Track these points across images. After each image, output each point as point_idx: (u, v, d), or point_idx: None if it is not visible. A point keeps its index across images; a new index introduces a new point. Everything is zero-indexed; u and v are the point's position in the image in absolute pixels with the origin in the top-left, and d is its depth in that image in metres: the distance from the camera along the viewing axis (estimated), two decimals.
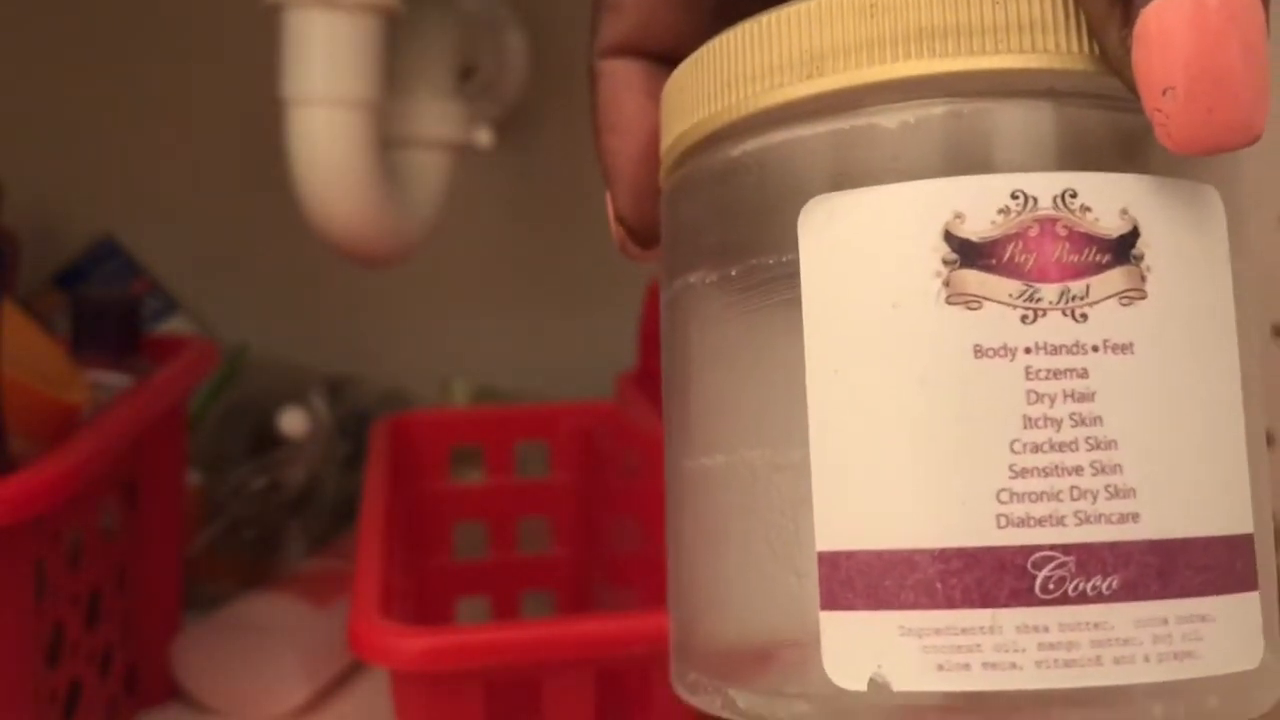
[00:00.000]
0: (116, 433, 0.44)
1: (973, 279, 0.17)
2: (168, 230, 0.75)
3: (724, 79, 0.19)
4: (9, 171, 0.46)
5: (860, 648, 0.17)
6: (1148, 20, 0.16)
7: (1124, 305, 0.17)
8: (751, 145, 0.19)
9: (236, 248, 0.75)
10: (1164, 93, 0.16)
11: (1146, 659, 0.16)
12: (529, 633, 0.35)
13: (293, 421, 0.63)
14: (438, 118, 0.62)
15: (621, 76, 0.24)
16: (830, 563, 0.17)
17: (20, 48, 0.73)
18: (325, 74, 0.53)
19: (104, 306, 0.55)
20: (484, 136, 0.65)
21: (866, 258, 0.17)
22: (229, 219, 0.75)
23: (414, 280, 0.73)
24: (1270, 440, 0.48)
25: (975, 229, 0.17)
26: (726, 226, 0.20)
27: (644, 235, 0.24)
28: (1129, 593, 0.16)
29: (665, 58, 0.23)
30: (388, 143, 0.58)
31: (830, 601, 0.17)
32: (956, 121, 0.17)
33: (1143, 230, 0.17)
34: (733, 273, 0.19)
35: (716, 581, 0.19)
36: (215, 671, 0.50)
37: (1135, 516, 0.17)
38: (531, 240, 0.79)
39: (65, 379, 0.46)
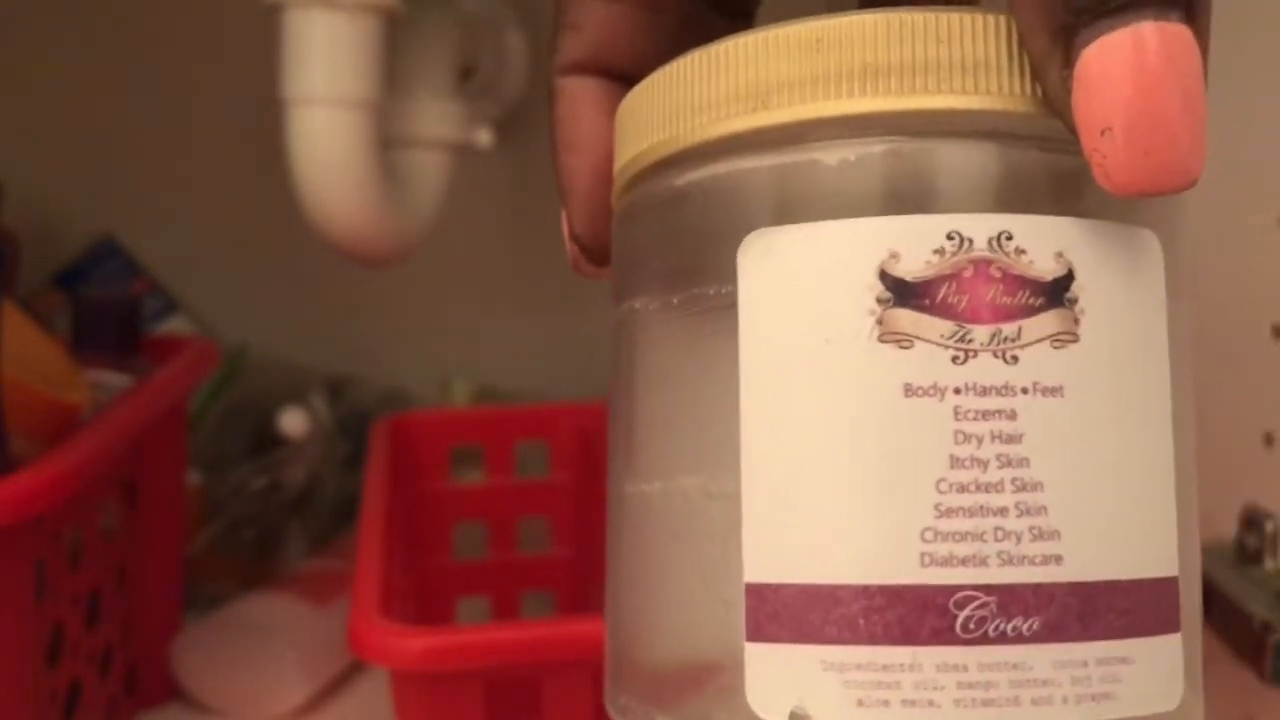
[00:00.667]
0: (116, 433, 0.44)
1: (905, 318, 0.17)
2: (168, 230, 0.75)
3: (673, 107, 0.19)
4: (9, 171, 0.46)
5: (783, 680, 0.17)
6: (1088, 61, 0.16)
7: (1056, 348, 0.17)
8: (696, 175, 0.19)
9: (236, 248, 0.75)
10: (1102, 133, 0.16)
11: (1065, 700, 0.17)
12: (529, 633, 0.35)
13: (293, 421, 0.63)
14: (438, 118, 0.62)
15: (580, 95, 0.24)
16: (757, 594, 0.17)
17: (20, 48, 0.73)
18: (325, 74, 0.53)
19: (104, 306, 0.55)
20: (484, 136, 0.65)
21: (803, 292, 0.18)
22: (229, 219, 0.75)
23: (414, 280, 0.73)
24: (1269, 440, 0.48)
25: (910, 269, 0.17)
26: (671, 254, 0.20)
27: (598, 254, 0.24)
28: (1049, 634, 0.17)
29: (625, 77, 0.23)
30: (388, 143, 0.58)
31: (755, 633, 0.17)
32: (896, 160, 0.18)
33: (1078, 273, 0.17)
34: (674, 300, 0.19)
35: (649, 607, 0.20)
36: (215, 671, 0.50)
37: (1059, 559, 0.17)
38: (531, 240, 0.79)
39: (65, 379, 0.46)
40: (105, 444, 0.42)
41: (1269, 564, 0.46)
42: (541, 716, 0.36)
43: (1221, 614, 0.46)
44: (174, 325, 0.74)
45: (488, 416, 0.60)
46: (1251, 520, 0.46)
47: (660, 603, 0.19)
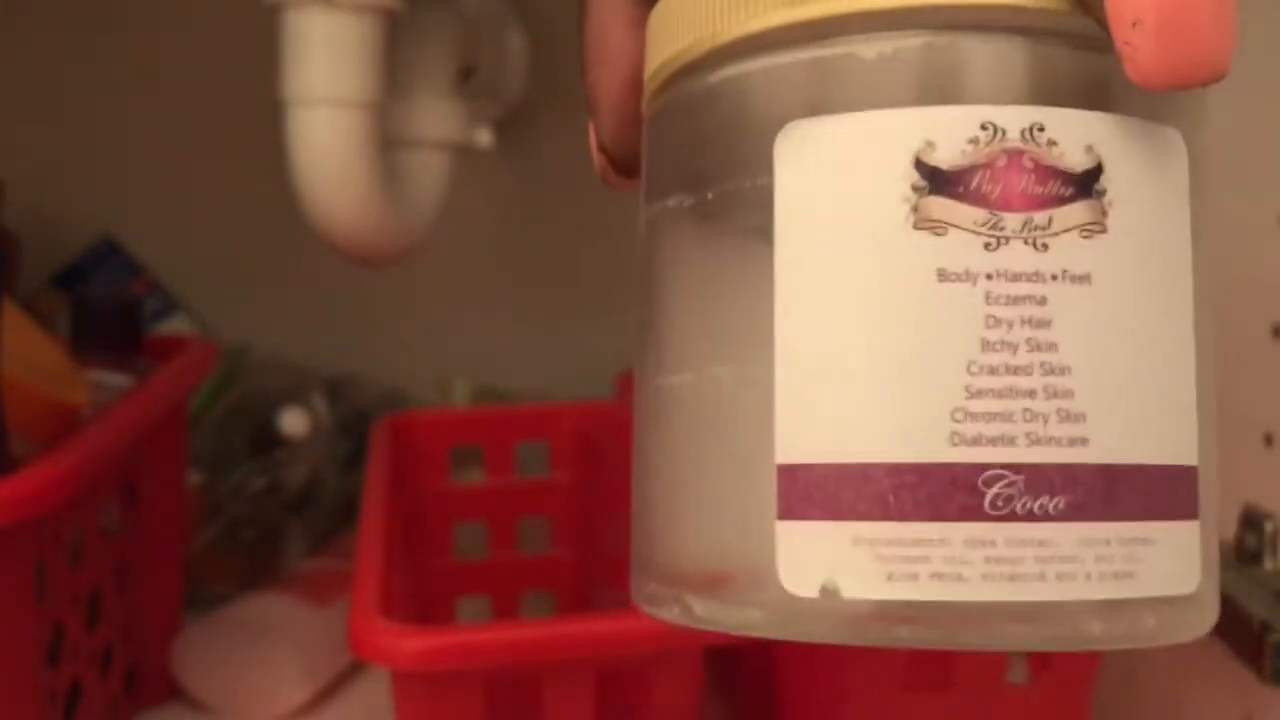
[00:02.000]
0: (116, 433, 0.44)
1: (939, 205, 0.17)
2: (168, 230, 0.75)
3: (706, 7, 0.20)
4: (9, 171, 0.46)
5: (814, 556, 0.17)
6: None
7: (1084, 238, 0.18)
8: (731, 72, 0.19)
9: (236, 248, 0.75)
10: (1133, 25, 0.16)
11: (1088, 577, 0.17)
12: (529, 633, 0.35)
13: (293, 421, 0.63)
14: (438, 118, 0.62)
15: (609, 9, 0.24)
16: (789, 474, 0.18)
17: (21, 48, 0.73)
18: (325, 74, 0.53)
19: (104, 306, 0.55)
20: (484, 136, 0.65)
21: (838, 181, 0.18)
22: (229, 219, 0.75)
23: (414, 280, 0.73)
24: (1269, 440, 0.48)
25: (945, 157, 0.17)
26: (704, 152, 0.20)
27: (625, 164, 0.24)
28: (1074, 513, 0.17)
29: None
30: (388, 143, 0.58)
31: (787, 511, 0.18)
32: (931, 53, 0.18)
33: (1106, 167, 0.18)
34: (709, 196, 0.20)
35: (679, 495, 0.20)
36: (215, 671, 0.50)
37: (1084, 441, 0.17)
38: (532, 240, 0.79)
39: (65, 379, 0.46)
40: (105, 444, 0.42)
41: (1269, 564, 0.46)
42: (541, 716, 0.36)
43: (1221, 614, 0.46)
44: (174, 325, 0.74)
45: (488, 416, 0.60)
46: (1251, 520, 0.46)
47: (691, 489, 0.20)
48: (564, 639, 0.35)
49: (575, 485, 0.57)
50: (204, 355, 0.56)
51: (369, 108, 0.54)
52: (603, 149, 0.25)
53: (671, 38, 0.21)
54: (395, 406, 0.66)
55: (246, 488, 0.62)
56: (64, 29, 0.73)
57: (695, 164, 0.20)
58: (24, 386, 0.41)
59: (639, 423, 0.22)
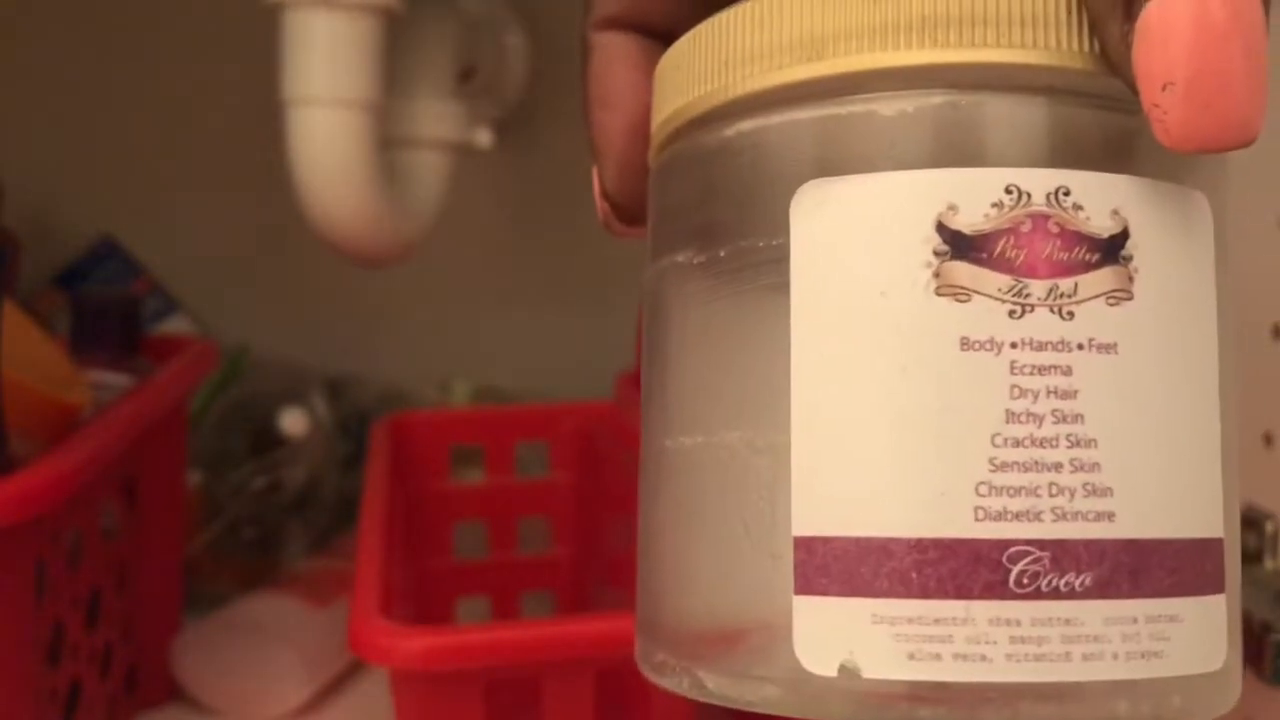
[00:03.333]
0: (116, 433, 0.44)
1: (963, 271, 0.17)
2: (168, 230, 0.75)
3: (722, 58, 0.19)
4: (9, 171, 0.46)
5: (832, 633, 0.17)
6: (1150, 15, 0.16)
7: (1110, 305, 0.17)
8: (746, 126, 0.19)
9: (236, 248, 0.75)
10: (1164, 88, 0.16)
11: (1115, 656, 0.17)
12: (529, 633, 0.35)
13: (293, 421, 0.63)
14: (438, 118, 0.62)
15: (615, 50, 0.23)
16: (806, 547, 0.17)
17: (20, 48, 0.73)
18: (325, 74, 0.53)
19: (104, 306, 0.55)
20: (484, 136, 0.65)
21: (857, 244, 0.17)
22: (229, 219, 0.75)
23: (414, 280, 0.73)
24: (1269, 440, 0.48)
25: (968, 221, 0.17)
26: (716, 207, 0.20)
27: (629, 212, 0.24)
28: (1101, 590, 0.17)
29: (659, 34, 0.23)
30: (388, 143, 0.58)
31: (804, 586, 0.17)
32: (953, 113, 0.17)
33: (1133, 232, 0.17)
34: (721, 253, 0.19)
35: (689, 562, 0.19)
36: (215, 671, 0.50)
37: (1111, 515, 0.17)
38: (531, 240, 0.79)
39: (65, 379, 0.46)
40: (105, 444, 0.42)
41: (1269, 564, 0.46)
42: (541, 716, 0.36)
43: None
44: (174, 325, 0.74)
45: (488, 416, 0.60)
46: (1251, 520, 0.46)
47: (701, 556, 0.19)
48: (564, 639, 0.35)
49: (575, 485, 0.57)
50: (204, 355, 0.56)
51: (369, 108, 0.54)
52: (606, 196, 0.24)
53: (683, 87, 0.20)
54: (395, 406, 0.66)
55: (246, 488, 0.62)
56: (64, 29, 0.73)
57: (706, 219, 0.20)
58: (24, 386, 0.41)
59: (645, 483, 0.21)
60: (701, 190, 0.20)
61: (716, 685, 0.18)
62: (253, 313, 0.75)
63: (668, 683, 0.19)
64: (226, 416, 0.66)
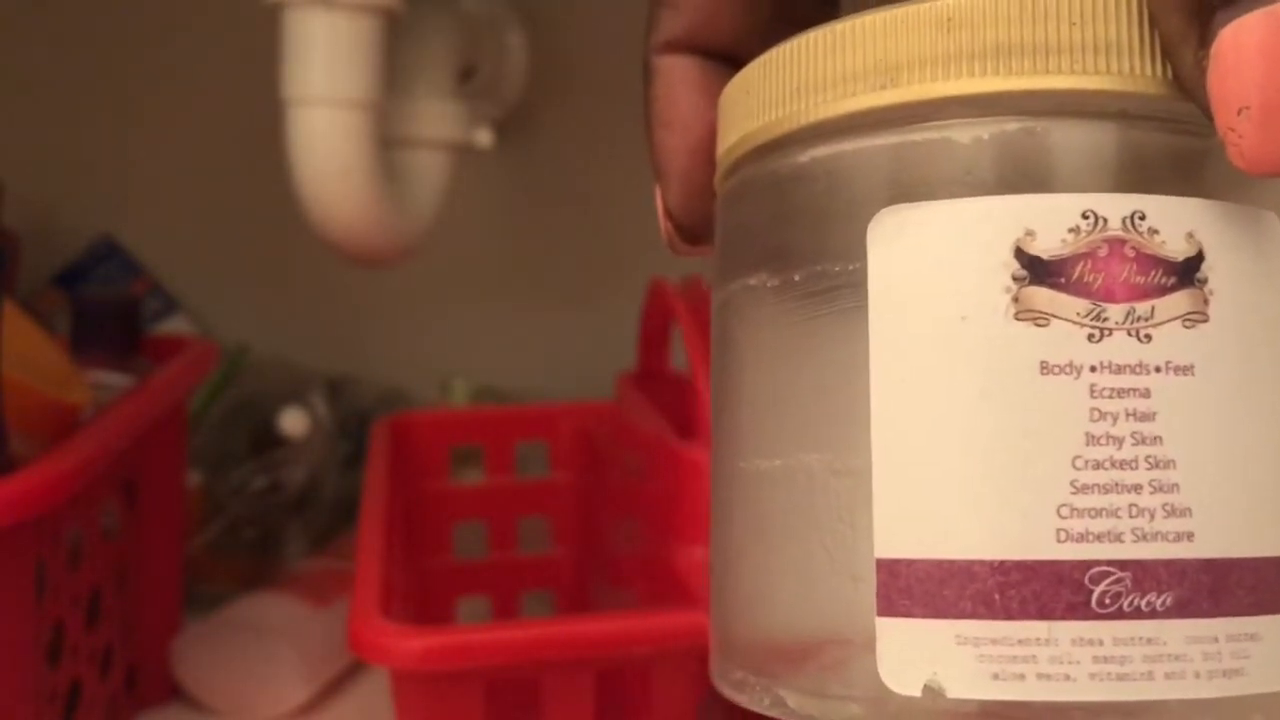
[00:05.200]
0: (116, 433, 0.44)
1: (1041, 296, 0.17)
2: (168, 230, 0.75)
3: (794, 84, 0.19)
4: (9, 171, 0.46)
5: (916, 654, 0.17)
6: (1224, 40, 0.16)
7: (1187, 328, 0.17)
8: (821, 152, 0.19)
9: (236, 248, 0.75)
10: (1239, 112, 0.16)
11: (1197, 675, 0.17)
12: (529, 633, 0.35)
13: (293, 421, 0.63)
14: (438, 118, 0.62)
15: (678, 73, 0.24)
16: (889, 570, 0.18)
17: (20, 48, 0.73)
18: (325, 74, 0.53)
19: (104, 306, 0.55)
20: (484, 136, 0.65)
21: (936, 270, 0.18)
22: (229, 219, 0.75)
23: (414, 280, 0.73)
24: None
25: (1045, 247, 0.17)
26: (790, 231, 0.20)
27: (693, 232, 0.24)
28: (1182, 610, 0.17)
29: (722, 56, 0.23)
30: (388, 143, 0.58)
31: (887, 608, 0.18)
32: (1028, 139, 0.18)
33: (1207, 254, 0.18)
34: (796, 278, 0.19)
35: (767, 582, 0.20)
36: (215, 671, 0.50)
37: (1190, 535, 0.17)
38: (531, 240, 0.79)
39: (65, 379, 0.46)
40: (105, 444, 0.42)
41: None
42: (541, 716, 0.36)
43: None
44: (174, 325, 0.74)
45: (488, 416, 0.60)
46: None
47: (780, 577, 0.19)
48: (564, 639, 0.35)
49: (575, 485, 0.57)
50: (204, 355, 0.56)
51: (369, 108, 0.54)
52: (669, 216, 0.24)
53: (755, 111, 0.20)
54: (395, 406, 0.66)
55: (246, 488, 0.62)
56: (64, 29, 0.73)
57: (780, 243, 0.20)
58: (24, 386, 0.41)
59: (719, 504, 0.21)
60: (774, 214, 0.20)
61: (798, 703, 0.19)
62: (253, 313, 0.75)
63: (746, 700, 0.20)
64: (226, 416, 0.66)
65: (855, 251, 0.18)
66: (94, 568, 0.45)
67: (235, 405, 0.67)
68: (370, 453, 0.52)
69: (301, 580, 0.54)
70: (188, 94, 0.73)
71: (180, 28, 0.73)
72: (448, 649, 0.34)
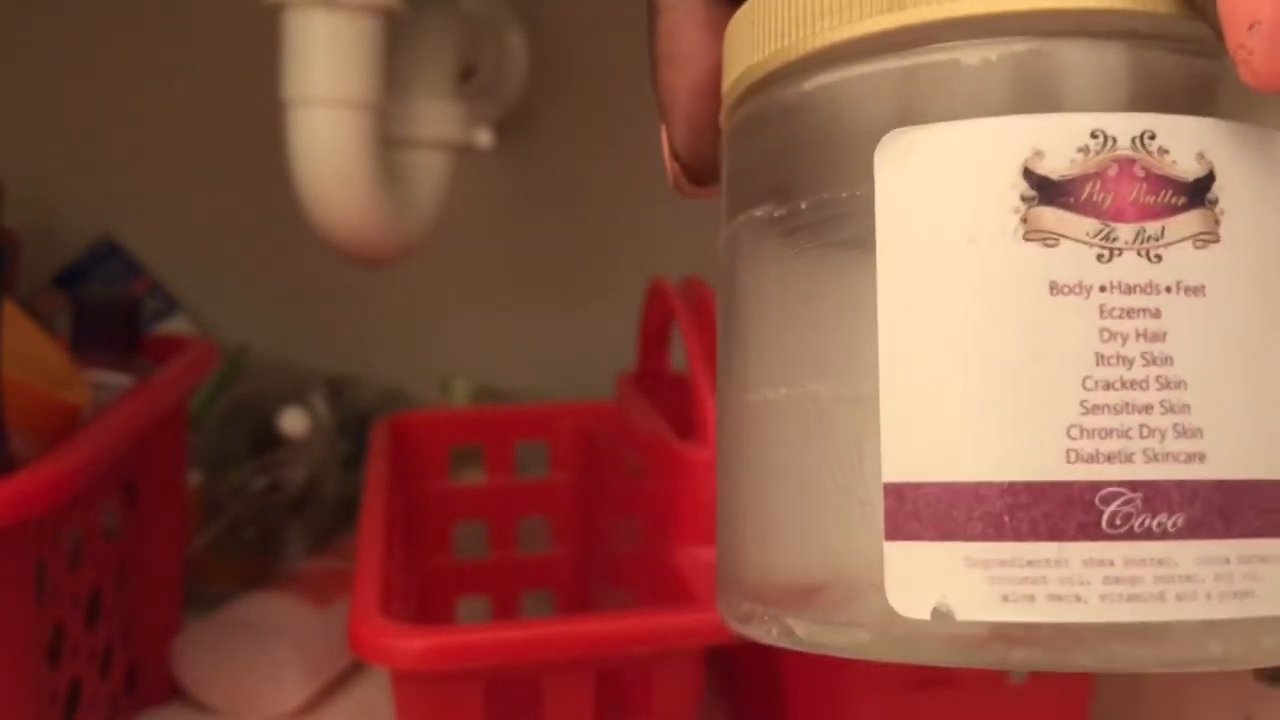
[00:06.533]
0: (116, 433, 0.44)
1: (1050, 216, 0.17)
2: (168, 230, 0.75)
3: (797, 12, 0.19)
4: (9, 171, 0.46)
5: (925, 578, 0.17)
6: None
7: (1197, 248, 0.17)
8: (826, 79, 0.19)
9: (236, 248, 0.75)
10: (1250, 28, 0.16)
11: (1208, 596, 0.17)
12: (529, 633, 0.35)
13: (293, 421, 0.63)
14: (438, 118, 0.62)
15: (682, 9, 0.23)
16: (896, 494, 0.17)
17: (20, 48, 0.73)
18: (326, 74, 0.53)
19: (104, 306, 0.55)
20: (484, 136, 0.65)
21: (944, 191, 0.17)
22: (229, 219, 0.75)
23: (414, 280, 0.73)
24: None
25: (1054, 167, 0.17)
26: (796, 161, 0.20)
27: (700, 172, 0.24)
28: (1193, 531, 0.17)
29: None
30: (388, 143, 0.58)
31: (895, 532, 0.17)
32: (1037, 59, 0.18)
33: (1218, 174, 0.17)
34: (802, 206, 0.19)
35: (776, 512, 0.19)
36: (215, 671, 0.50)
37: (1201, 456, 0.17)
38: (531, 240, 0.79)
39: (65, 379, 0.46)
40: (105, 444, 0.42)
41: None
42: (541, 716, 0.36)
43: None
44: (174, 325, 0.74)
45: (488, 416, 0.60)
46: None
47: (787, 506, 0.19)
48: (564, 639, 0.35)
49: (575, 485, 0.57)
50: (204, 355, 0.56)
51: (369, 108, 0.54)
52: (676, 156, 0.24)
53: (757, 43, 0.20)
54: (395, 406, 0.66)
55: (246, 488, 0.62)
56: (64, 29, 0.73)
57: (786, 173, 0.20)
58: (24, 386, 0.41)
59: (724, 438, 0.21)
60: (780, 145, 0.20)
61: (806, 631, 0.18)
62: (253, 313, 0.75)
63: (755, 631, 0.19)
64: (226, 416, 0.66)
65: (862, 177, 0.18)
66: (94, 568, 0.45)
67: (235, 405, 0.67)
68: (370, 453, 0.52)
69: (301, 580, 0.54)
70: (188, 94, 0.73)
71: (180, 28, 0.73)
72: (448, 649, 0.34)
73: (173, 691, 0.51)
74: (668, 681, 0.37)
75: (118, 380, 0.51)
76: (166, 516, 0.52)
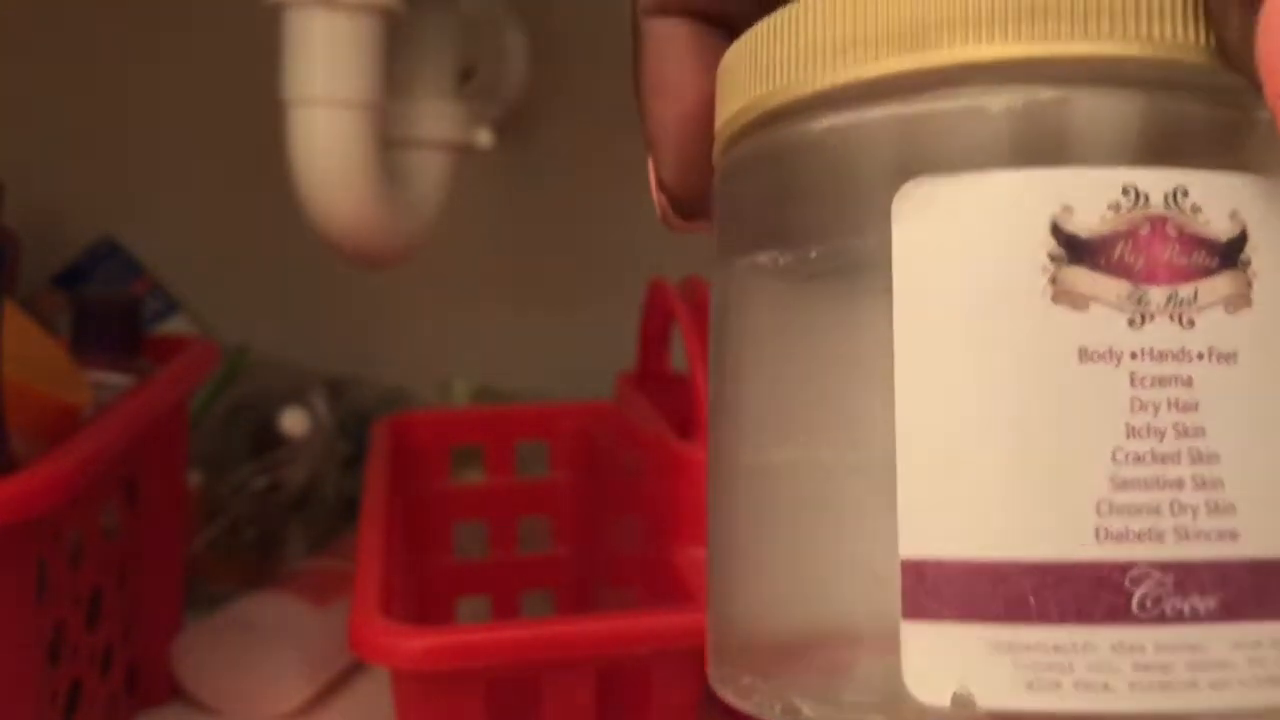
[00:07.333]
0: (117, 433, 0.44)
1: (1081, 277, 0.16)
2: (168, 230, 0.75)
3: (808, 47, 0.18)
4: (9, 171, 0.46)
5: (945, 661, 0.16)
6: (1273, 4, 0.15)
7: (1229, 313, 0.16)
8: (839, 120, 0.18)
9: (236, 248, 0.75)
10: None
11: (1242, 683, 0.16)
12: (529, 633, 0.35)
13: (293, 421, 0.63)
14: (438, 118, 0.62)
15: (669, 37, 0.22)
16: (915, 570, 0.16)
17: (21, 48, 0.73)
18: (326, 74, 0.53)
19: (104, 306, 0.55)
20: (484, 136, 0.65)
21: (968, 246, 0.16)
22: (229, 219, 0.75)
23: (414, 280, 0.73)
24: None
25: (1084, 224, 0.16)
26: (805, 205, 0.18)
27: (688, 205, 0.23)
28: (1226, 613, 0.16)
29: (714, 20, 0.22)
30: (388, 143, 0.58)
31: (914, 611, 0.16)
32: (1064, 109, 0.17)
33: (1250, 234, 0.16)
34: (811, 254, 0.18)
35: (780, 583, 0.18)
36: (216, 671, 0.50)
37: (1234, 534, 0.16)
38: (532, 240, 0.79)
39: (65, 379, 0.46)
40: (105, 444, 0.42)
41: None
42: (541, 716, 0.36)
43: None
44: (174, 325, 0.74)
45: (488, 416, 0.60)
46: None
47: (793, 577, 0.18)
48: (564, 639, 0.35)
49: (575, 485, 0.57)
50: (204, 355, 0.56)
51: (369, 108, 0.54)
52: (663, 189, 0.23)
53: (762, 76, 0.19)
54: (395, 406, 0.66)
55: (246, 488, 0.62)
56: (64, 29, 0.73)
57: (793, 218, 0.19)
58: (24, 386, 0.41)
59: (721, 502, 0.20)
60: (786, 187, 0.19)
61: (815, 712, 0.17)
62: (253, 313, 0.75)
63: (753, 707, 0.18)
64: (226, 416, 0.66)
65: (877, 226, 0.17)
66: (94, 568, 0.45)
67: (235, 405, 0.67)
68: (370, 453, 0.52)
69: (301, 580, 0.54)
70: (188, 94, 0.73)
71: (181, 28, 0.73)
72: (448, 649, 0.34)
73: (173, 691, 0.51)
74: (668, 681, 0.37)
75: (118, 380, 0.51)
76: (166, 516, 0.52)
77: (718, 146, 0.21)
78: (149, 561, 0.50)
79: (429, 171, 0.63)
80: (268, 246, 0.73)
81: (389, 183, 0.57)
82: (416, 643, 0.34)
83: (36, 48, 0.73)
